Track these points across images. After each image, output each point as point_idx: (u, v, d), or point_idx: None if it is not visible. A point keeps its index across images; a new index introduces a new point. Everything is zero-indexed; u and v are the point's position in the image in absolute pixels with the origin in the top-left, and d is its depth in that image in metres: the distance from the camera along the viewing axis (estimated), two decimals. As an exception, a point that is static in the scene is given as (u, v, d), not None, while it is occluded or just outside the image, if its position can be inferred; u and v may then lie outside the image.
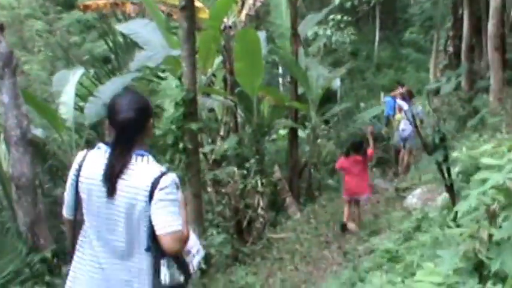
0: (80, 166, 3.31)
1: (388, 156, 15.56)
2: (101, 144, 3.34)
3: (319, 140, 15.41)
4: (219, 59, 13.17)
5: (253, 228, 11.13)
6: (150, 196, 3.18)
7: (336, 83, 19.41)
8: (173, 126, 7.21)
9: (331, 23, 24.80)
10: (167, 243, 3.18)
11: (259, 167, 11.87)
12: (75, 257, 3.41)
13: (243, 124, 13.40)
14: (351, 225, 11.59)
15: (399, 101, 14.93)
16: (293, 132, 14.36)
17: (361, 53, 29.73)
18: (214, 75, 13.22)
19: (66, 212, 3.45)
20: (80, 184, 3.31)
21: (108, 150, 3.27)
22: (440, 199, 8.94)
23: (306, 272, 9.82)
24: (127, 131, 3.24)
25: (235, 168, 10.87)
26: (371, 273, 8.36)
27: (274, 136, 15.77)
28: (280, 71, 17.90)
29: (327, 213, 12.87)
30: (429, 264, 3.36)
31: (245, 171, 11.37)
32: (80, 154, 3.39)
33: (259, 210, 11.29)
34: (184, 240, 3.30)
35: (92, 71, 10.98)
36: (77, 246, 3.41)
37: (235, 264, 9.82)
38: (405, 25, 28.67)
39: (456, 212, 5.94)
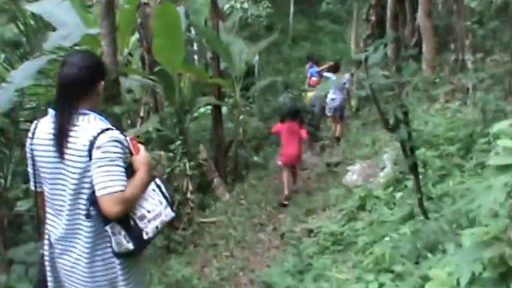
0: (33, 134, 3.27)
1: (313, 130, 15.15)
2: (49, 109, 3.24)
3: (241, 117, 14.78)
4: (135, 38, 12.39)
5: (182, 214, 10.40)
6: (90, 156, 3.07)
7: (255, 58, 18.89)
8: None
9: (247, -4, 24.16)
10: (105, 205, 3.01)
11: (184, 148, 11.12)
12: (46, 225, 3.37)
13: (163, 104, 12.62)
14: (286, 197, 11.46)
15: (326, 74, 15.22)
16: (217, 110, 13.69)
17: (277, 26, 29.24)
18: (130, 54, 12.33)
19: (32, 184, 3.37)
20: (34, 152, 3.27)
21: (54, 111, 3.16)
22: (383, 175, 8.55)
23: (242, 258, 9.26)
24: (69, 89, 3.13)
25: (162, 152, 10.10)
26: (316, 258, 7.88)
27: (195, 114, 15.01)
28: (195, 47, 17.09)
29: (257, 193, 12.33)
30: (439, 272, 2.77)
31: (171, 154, 10.62)
32: (33, 124, 3.33)
33: (189, 194, 10.57)
34: (128, 202, 3.10)
35: (2, 56, 9.96)
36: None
37: (168, 255, 9.10)
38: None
39: (421, 197, 5.48)
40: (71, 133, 3.11)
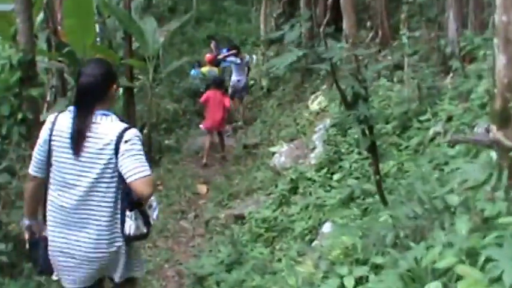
0: (53, 125, 3.66)
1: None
2: (70, 107, 3.68)
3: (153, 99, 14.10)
4: (40, 18, 11.48)
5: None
6: (116, 150, 3.52)
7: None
8: (8, 94, 5.74)
9: (150, -23, 23.25)
10: (140, 187, 3.47)
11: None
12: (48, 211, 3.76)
13: (72, 87, 11.72)
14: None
15: (231, 58, 15.28)
16: (128, 92, 12.88)
17: (180, 7, 28.56)
18: (36, 36, 11.38)
19: (35, 170, 3.76)
20: (51, 143, 3.66)
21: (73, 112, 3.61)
22: (314, 156, 8.20)
23: (166, 248, 8.66)
24: (87, 94, 3.59)
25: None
26: (250, 247, 7.43)
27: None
28: (98, 29, 16.14)
29: (174, 178, 11.71)
30: (469, 270, 2.36)
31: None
32: (51, 116, 3.73)
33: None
34: (154, 185, 3.86)
35: None
36: (48, 201, 3.75)
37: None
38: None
39: (380, 179, 5.12)
40: (92, 131, 3.58)
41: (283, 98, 14.80)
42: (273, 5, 19.64)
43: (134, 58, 13.14)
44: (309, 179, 7.88)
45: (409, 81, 7.88)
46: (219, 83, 12.77)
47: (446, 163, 4.98)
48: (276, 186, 8.50)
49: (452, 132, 5.88)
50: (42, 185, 3.80)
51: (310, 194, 7.57)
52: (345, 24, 11.95)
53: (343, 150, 7.92)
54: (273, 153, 10.30)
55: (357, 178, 7.15)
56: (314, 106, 11.03)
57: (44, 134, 3.73)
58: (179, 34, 26.10)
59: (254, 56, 19.15)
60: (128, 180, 3.48)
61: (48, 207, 3.75)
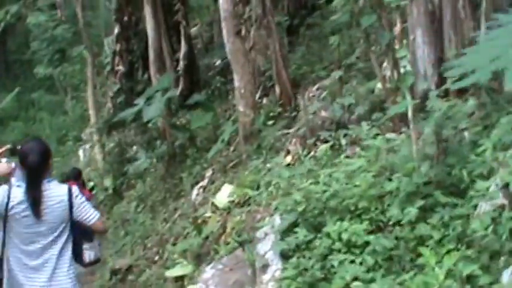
0: (8, 198, 4.35)
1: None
2: (19, 183, 4.44)
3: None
4: None
5: None
6: (70, 205, 4.45)
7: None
8: None
9: None
10: (99, 226, 4.67)
11: None
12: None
13: None
14: None
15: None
16: None
17: None
18: None
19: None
20: (11, 211, 4.35)
21: (23, 185, 4.38)
22: (272, 281, 4.70)
23: None
24: (35, 169, 4.38)
25: None
26: None
27: None
28: None
29: None
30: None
31: None
32: (3, 188, 4.42)
33: None
34: None
35: None
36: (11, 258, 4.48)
37: None
38: (31, 63, 23.43)
39: None
40: (45, 195, 4.37)
41: (147, 198, 11.08)
42: (103, 86, 16.08)
43: None
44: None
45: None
46: (77, 175, 10.45)
47: None
48: None
49: None
50: None
51: None
52: (237, 81, 8.85)
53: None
54: (177, 280, 6.68)
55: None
56: (220, 200, 7.52)
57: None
58: None
59: (81, 151, 15.73)
60: (90, 223, 4.51)
61: (11, 260, 4.45)
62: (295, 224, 5.44)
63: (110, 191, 13.35)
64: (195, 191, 9.45)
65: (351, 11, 6.89)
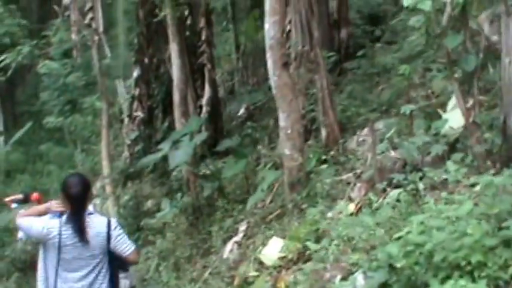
0: (60, 232, 4.75)
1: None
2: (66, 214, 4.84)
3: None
4: None
5: None
6: (108, 236, 4.80)
7: None
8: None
9: None
10: (133, 257, 4.95)
11: None
12: None
13: None
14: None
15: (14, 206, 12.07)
16: None
17: None
18: None
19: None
20: (61, 242, 4.76)
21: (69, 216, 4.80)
22: None
23: None
24: (79, 199, 4.76)
25: None
26: None
27: None
28: None
29: None
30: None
31: None
32: (53, 222, 4.81)
33: None
34: None
35: None
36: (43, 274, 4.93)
37: None
38: (39, 115, 22.51)
39: None
40: (87, 225, 4.76)
41: (169, 255, 9.87)
42: (116, 138, 15.06)
43: None
44: None
45: None
46: None
47: None
48: None
49: None
50: None
51: None
52: (283, 120, 7.77)
53: None
54: None
55: None
56: (268, 257, 6.33)
57: (47, 234, 4.78)
58: None
59: (91, 207, 14.33)
60: (125, 254, 4.84)
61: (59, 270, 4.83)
62: (385, 285, 4.27)
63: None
64: (228, 247, 8.28)
65: (427, 32, 5.89)
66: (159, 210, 11.27)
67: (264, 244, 7.05)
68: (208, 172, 10.12)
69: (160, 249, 10.41)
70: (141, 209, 12.70)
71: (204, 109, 11.81)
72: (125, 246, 4.80)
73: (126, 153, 13.28)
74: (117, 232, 4.80)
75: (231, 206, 9.19)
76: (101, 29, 12.29)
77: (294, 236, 6.20)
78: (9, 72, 13.53)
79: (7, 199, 14.59)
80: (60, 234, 4.71)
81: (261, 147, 10.91)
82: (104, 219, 4.88)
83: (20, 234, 13.01)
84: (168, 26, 10.45)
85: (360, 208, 6.10)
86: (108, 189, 13.34)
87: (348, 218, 5.84)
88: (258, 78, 14.84)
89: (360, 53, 10.73)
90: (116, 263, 4.86)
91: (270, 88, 12.54)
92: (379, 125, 8.71)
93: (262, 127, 11.71)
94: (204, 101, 11.89)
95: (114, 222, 4.90)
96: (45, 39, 18.81)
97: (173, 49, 10.45)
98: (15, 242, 14.17)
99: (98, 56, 13.30)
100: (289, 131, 7.42)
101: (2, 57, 13.37)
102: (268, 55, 7.44)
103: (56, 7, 19.90)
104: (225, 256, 8.23)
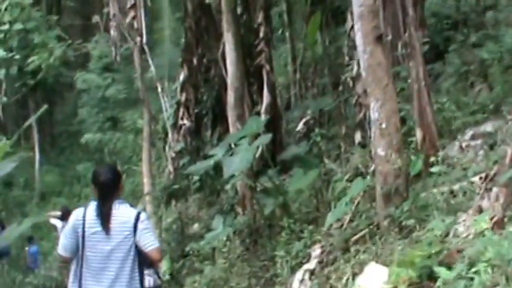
0: (84, 217, 4.64)
1: None
2: (91, 202, 4.72)
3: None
4: None
5: None
6: (135, 228, 4.57)
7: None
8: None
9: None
10: (155, 255, 4.63)
11: None
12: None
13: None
14: None
15: (53, 220, 13.77)
16: None
17: (18, 181, 21.86)
18: None
19: (67, 251, 4.71)
20: (85, 229, 4.64)
21: (95, 204, 4.66)
22: None
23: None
24: (107, 187, 4.65)
25: None
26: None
27: None
28: None
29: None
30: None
31: None
32: (79, 211, 4.72)
33: None
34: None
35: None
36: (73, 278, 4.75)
37: None
38: (78, 135, 21.36)
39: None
40: (114, 215, 4.59)
41: (220, 286, 8.19)
42: (162, 154, 13.60)
43: None
44: None
45: None
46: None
47: None
48: None
49: None
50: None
51: None
52: (374, 113, 6.05)
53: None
54: None
55: None
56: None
57: (73, 227, 4.67)
58: (19, 215, 19.41)
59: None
60: (147, 250, 4.56)
61: (83, 271, 4.66)
62: None
63: (167, 277, 10.50)
64: (298, 276, 6.57)
65: None
66: (207, 233, 9.66)
67: (352, 273, 5.33)
68: (268, 186, 8.43)
69: (209, 279, 8.74)
70: (187, 232, 11.13)
71: (263, 117, 10.14)
72: (148, 241, 4.61)
73: (169, 168, 11.70)
74: (144, 225, 4.64)
75: (298, 226, 7.49)
76: (143, 30, 10.93)
77: (405, 262, 4.45)
78: (40, 75, 12.26)
79: (47, 214, 14.70)
80: (84, 220, 4.64)
81: (328, 161, 9.23)
82: (134, 210, 4.73)
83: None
84: (222, 13, 8.91)
85: (500, 221, 4.34)
86: (149, 208, 11.82)
87: (488, 234, 4.09)
88: (319, 91, 13.27)
89: (451, 48, 9.02)
90: (141, 259, 4.69)
91: (338, 94, 11.13)
92: (487, 127, 7.10)
93: (330, 137, 10.04)
94: (262, 107, 10.24)
95: (143, 214, 4.76)
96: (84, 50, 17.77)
97: (228, 41, 8.89)
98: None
99: (140, 60, 11.95)
100: (383, 125, 5.71)
101: (31, 59, 12.17)
102: (357, 27, 5.78)
103: (97, 18, 18.91)
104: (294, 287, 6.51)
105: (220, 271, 8.59)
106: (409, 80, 6.85)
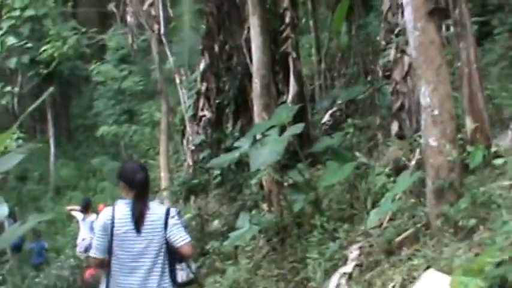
0: (113, 216, 4.58)
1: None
2: (121, 201, 4.63)
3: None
4: None
5: None
6: (165, 224, 4.57)
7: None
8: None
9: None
10: (186, 250, 4.62)
11: None
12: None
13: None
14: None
15: (74, 213, 13.61)
16: None
17: (33, 175, 21.40)
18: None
19: (100, 253, 4.67)
20: (114, 229, 4.59)
21: (129, 202, 4.57)
22: None
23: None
24: (143, 186, 4.60)
25: None
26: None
27: None
28: None
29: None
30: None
31: None
32: (108, 210, 4.64)
33: None
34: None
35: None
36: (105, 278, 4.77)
37: None
38: (94, 128, 20.86)
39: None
40: (147, 212, 4.55)
41: None
42: (180, 148, 12.98)
43: None
44: None
45: None
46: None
47: None
48: None
49: None
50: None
51: None
52: (425, 98, 5.36)
53: None
54: None
55: None
56: None
57: (102, 226, 4.60)
58: (33, 210, 18.99)
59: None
60: (178, 245, 4.53)
61: (114, 268, 4.63)
62: None
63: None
64: (333, 280, 5.92)
65: None
66: (228, 231, 9.03)
67: (402, 279, 4.67)
68: (297, 181, 7.77)
69: (232, 280, 8.10)
70: (206, 229, 10.53)
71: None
72: (179, 236, 4.57)
73: (188, 161, 11.08)
74: (174, 221, 4.63)
75: (332, 224, 6.83)
76: (161, 17, 10.30)
77: (473, 269, 3.78)
78: (53, 65, 11.71)
79: (67, 207, 14.22)
80: (113, 219, 4.58)
81: (360, 154, 8.56)
82: (163, 207, 4.78)
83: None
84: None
85: None
86: (167, 204, 11.24)
87: None
88: (346, 81, 12.58)
89: (497, 31, 8.30)
90: (172, 254, 4.67)
91: (371, 81, 10.44)
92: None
93: (361, 129, 9.36)
94: (289, 97, 9.57)
95: (173, 210, 4.76)
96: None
97: (253, 25, 8.23)
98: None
99: (158, 49, 11.33)
100: (436, 112, 5.03)
101: (44, 48, 11.62)
102: (406, 0, 5.11)
103: (113, 9, 18.33)
104: (329, 293, 5.86)
105: (245, 272, 7.94)
106: (459, 63, 6.15)
